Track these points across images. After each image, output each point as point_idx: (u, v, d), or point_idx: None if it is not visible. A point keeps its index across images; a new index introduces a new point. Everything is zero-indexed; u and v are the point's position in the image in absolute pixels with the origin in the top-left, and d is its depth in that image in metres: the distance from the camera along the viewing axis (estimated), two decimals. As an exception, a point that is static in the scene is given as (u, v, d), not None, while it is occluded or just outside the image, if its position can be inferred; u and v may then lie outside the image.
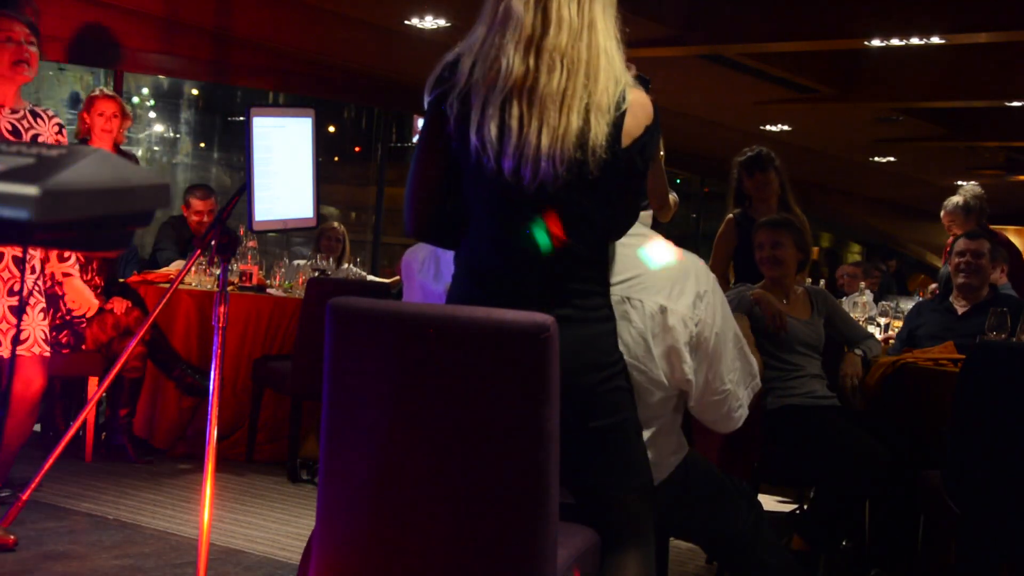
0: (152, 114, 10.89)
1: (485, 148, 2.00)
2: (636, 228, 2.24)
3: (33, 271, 3.60)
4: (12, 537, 3.47)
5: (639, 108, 2.05)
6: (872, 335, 4.26)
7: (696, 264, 2.33)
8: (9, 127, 3.48)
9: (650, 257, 2.27)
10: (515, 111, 1.98)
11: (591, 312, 2.09)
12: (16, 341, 3.44)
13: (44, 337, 3.61)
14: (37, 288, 3.62)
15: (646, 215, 2.38)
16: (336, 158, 12.42)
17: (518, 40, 1.98)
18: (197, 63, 8.43)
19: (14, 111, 3.52)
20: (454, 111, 2.04)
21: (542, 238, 2.03)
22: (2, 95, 3.49)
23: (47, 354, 3.62)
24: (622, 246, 2.24)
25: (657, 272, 2.24)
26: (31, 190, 0.86)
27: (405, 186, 2.15)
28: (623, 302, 2.21)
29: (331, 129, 12.46)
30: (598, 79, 1.99)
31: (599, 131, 1.98)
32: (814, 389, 3.86)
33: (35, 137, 3.51)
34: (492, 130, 1.99)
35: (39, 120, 3.56)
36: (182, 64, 8.37)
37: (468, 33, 2.08)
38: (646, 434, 2.26)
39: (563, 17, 1.98)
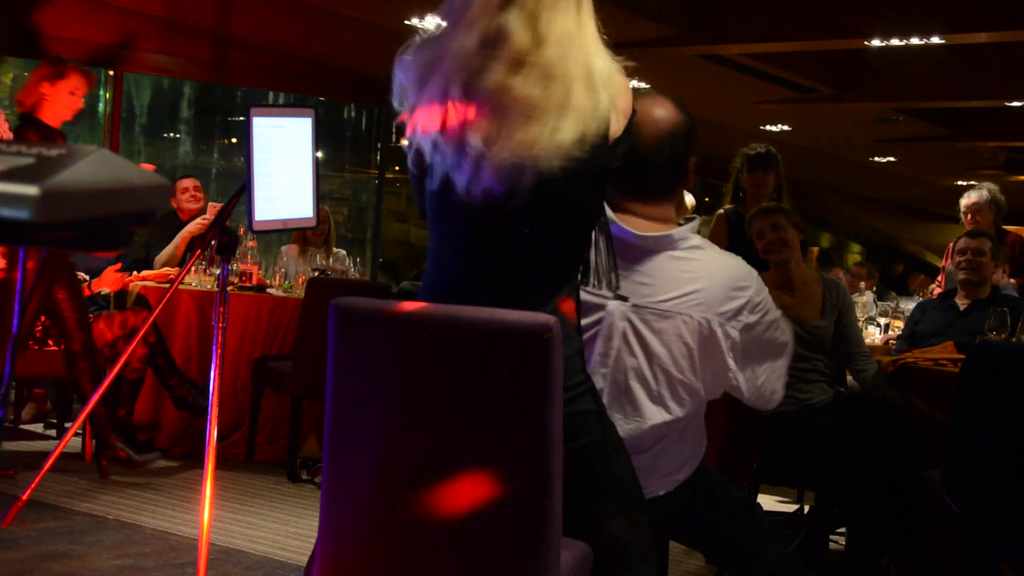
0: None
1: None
2: (692, 240, 2.29)
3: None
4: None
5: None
6: (874, 362, 3.95)
7: (744, 269, 2.33)
8: None
9: (710, 272, 2.28)
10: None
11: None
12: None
13: None
14: None
15: (694, 224, 2.38)
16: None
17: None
18: (197, 63, 8.43)
19: None
20: None
21: None
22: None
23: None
24: (674, 259, 2.26)
25: (711, 287, 2.26)
26: (31, 190, 0.86)
27: None
28: (674, 316, 2.23)
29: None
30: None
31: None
32: (812, 395, 3.81)
33: None
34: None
35: None
36: (182, 64, 8.37)
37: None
38: (665, 442, 2.30)
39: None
